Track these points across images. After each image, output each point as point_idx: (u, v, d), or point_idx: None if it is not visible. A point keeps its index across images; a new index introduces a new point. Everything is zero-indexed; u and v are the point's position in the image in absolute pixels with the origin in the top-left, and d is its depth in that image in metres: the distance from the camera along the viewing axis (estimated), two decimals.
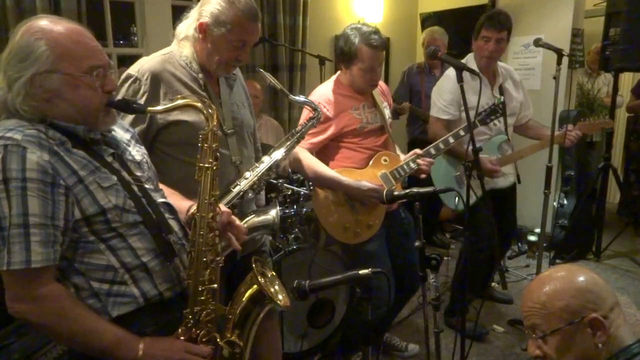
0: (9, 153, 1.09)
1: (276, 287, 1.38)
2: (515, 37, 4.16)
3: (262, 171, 1.76)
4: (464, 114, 2.48)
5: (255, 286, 1.34)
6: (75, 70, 1.17)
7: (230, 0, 1.61)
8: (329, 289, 2.07)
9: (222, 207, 1.43)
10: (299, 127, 1.91)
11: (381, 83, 2.49)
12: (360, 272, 1.28)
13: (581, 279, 1.16)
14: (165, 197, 1.41)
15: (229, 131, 1.76)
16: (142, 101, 1.59)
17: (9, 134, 1.11)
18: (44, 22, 1.17)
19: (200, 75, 1.71)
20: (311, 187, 3.09)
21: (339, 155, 2.36)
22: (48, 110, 1.17)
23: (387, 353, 2.80)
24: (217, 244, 1.34)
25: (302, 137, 1.90)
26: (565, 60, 2.75)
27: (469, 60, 2.85)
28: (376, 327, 2.51)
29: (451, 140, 2.43)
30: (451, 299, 3.12)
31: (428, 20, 4.82)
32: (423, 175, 2.39)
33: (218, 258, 1.34)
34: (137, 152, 1.39)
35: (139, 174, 1.33)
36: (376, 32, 2.21)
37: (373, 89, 2.36)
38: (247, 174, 1.75)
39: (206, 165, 1.32)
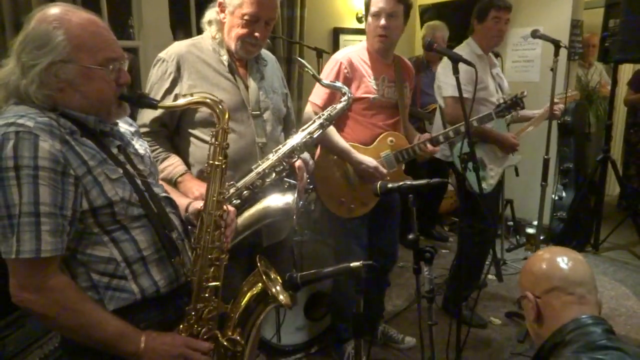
0: (21, 140, 1.07)
1: (278, 287, 1.38)
2: (514, 29, 4.14)
3: (283, 153, 1.77)
4: (479, 94, 2.55)
5: (259, 285, 1.34)
6: (91, 62, 1.16)
7: None
8: (321, 281, 2.07)
9: (229, 206, 1.44)
10: (327, 112, 1.90)
11: (407, 62, 2.49)
12: (352, 264, 1.28)
13: (537, 263, 1.35)
14: (166, 192, 1.41)
15: (253, 113, 1.80)
16: (169, 80, 1.73)
17: (20, 121, 1.09)
18: (62, 11, 1.16)
19: (225, 57, 1.79)
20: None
21: (346, 128, 2.35)
22: (60, 100, 1.16)
23: (384, 344, 2.81)
24: (223, 242, 1.35)
25: (329, 122, 1.90)
26: (563, 52, 2.74)
27: (470, 44, 2.85)
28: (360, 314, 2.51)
29: (462, 129, 2.40)
30: (447, 294, 3.12)
31: (427, 12, 4.79)
32: (420, 160, 2.39)
33: (223, 256, 1.34)
34: (140, 146, 1.39)
35: (142, 167, 1.32)
36: None
37: (381, 43, 2.30)
38: (270, 156, 1.78)
39: (216, 162, 1.32)
